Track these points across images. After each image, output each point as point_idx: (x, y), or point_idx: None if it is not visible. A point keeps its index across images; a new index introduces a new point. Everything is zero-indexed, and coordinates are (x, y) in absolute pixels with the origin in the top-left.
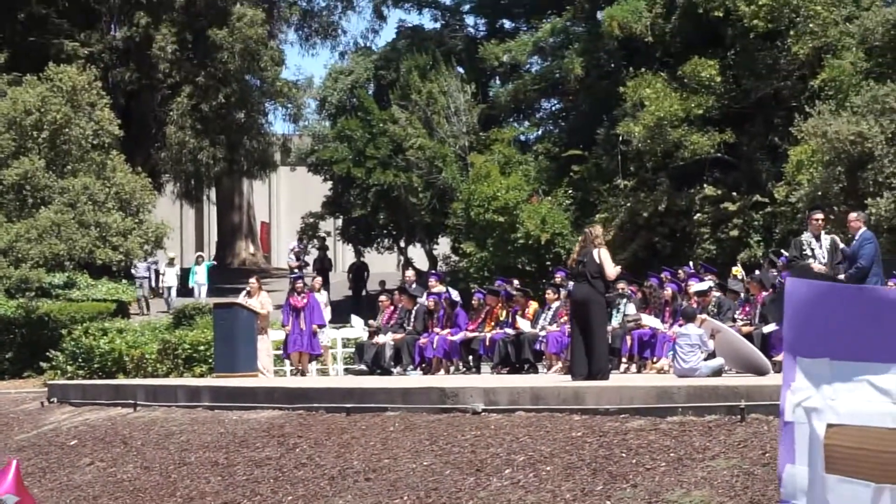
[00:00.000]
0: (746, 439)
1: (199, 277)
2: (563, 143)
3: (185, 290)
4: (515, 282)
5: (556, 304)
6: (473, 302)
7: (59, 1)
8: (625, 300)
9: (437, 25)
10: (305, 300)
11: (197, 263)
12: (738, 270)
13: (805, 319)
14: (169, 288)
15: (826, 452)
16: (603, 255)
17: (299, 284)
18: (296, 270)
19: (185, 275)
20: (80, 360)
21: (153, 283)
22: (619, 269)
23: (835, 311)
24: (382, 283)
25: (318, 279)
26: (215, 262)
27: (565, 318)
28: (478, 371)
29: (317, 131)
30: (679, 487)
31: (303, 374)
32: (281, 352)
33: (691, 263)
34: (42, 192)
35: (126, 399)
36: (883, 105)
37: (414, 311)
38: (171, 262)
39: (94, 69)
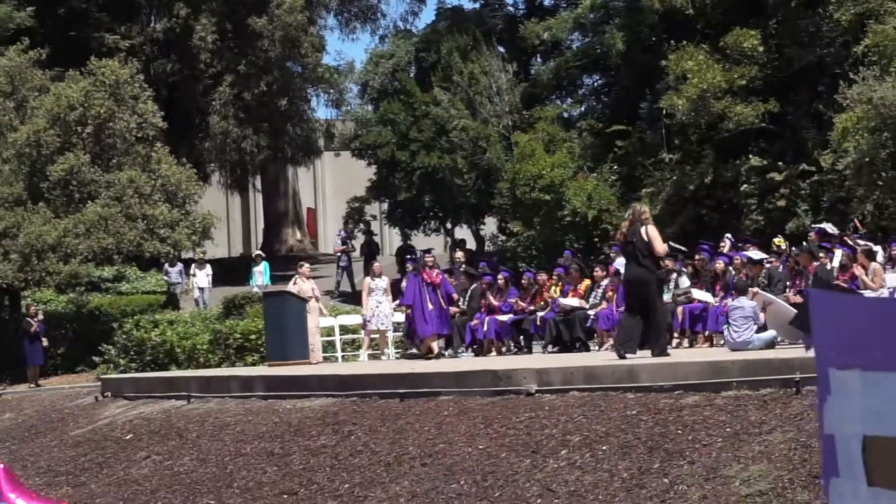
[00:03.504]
0: (802, 412)
1: (259, 279)
2: (607, 119)
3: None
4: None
5: (605, 281)
6: (523, 281)
7: None
8: (675, 275)
9: (477, 5)
10: (439, 276)
11: (255, 263)
12: (780, 241)
13: (833, 330)
14: (202, 289)
15: (866, 466)
16: (651, 233)
17: (430, 258)
18: (341, 255)
19: (232, 266)
20: (132, 353)
21: (186, 287)
22: (666, 246)
23: (862, 322)
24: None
25: (378, 264)
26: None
27: (611, 293)
28: (529, 351)
29: (359, 116)
30: (736, 462)
31: (429, 355)
32: (408, 335)
33: (728, 235)
34: (88, 187)
35: (180, 391)
36: None
37: (470, 291)
38: (201, 263)
39: (135, 62)
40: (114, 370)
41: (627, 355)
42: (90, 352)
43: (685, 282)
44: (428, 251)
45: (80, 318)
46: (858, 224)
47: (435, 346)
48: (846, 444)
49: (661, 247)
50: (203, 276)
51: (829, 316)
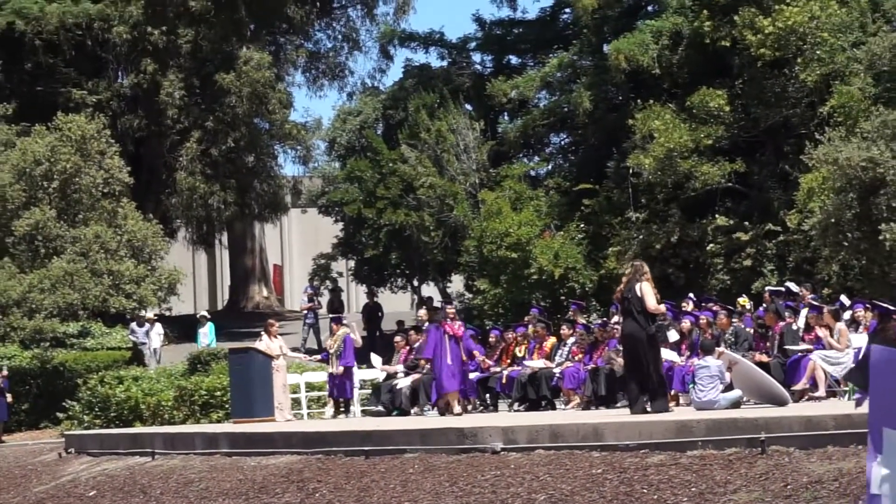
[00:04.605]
0: (768, 472)
1: (204, 339)
2: (574, 178)
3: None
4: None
5: (571, 339)
6: (491, 339)
7: (66, 50)
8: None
9: (444, 63)
10: (461, 328)
11: (200, 324)
12: (744, 301)
13: (891, 390)
14: (154, 349)
15: None
16: (644, 289)
17: (451, 310)
18: (307, 312)
19: (196, 323)
20: (96, 409)
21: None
22: (663, 306)
23: None
24: (400, 322)
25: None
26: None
27: (580, 356)
28: (495, 409)
29: (327, 173)
30: None
31: (451, 412)
32: (434, 392)
33: (691, 295)
34: (54, 242)
35: (144, 448)
36: (893, 129)
37: None
38: (152, 322)
39: (102, 117)
40: (78, 426)
41: (642, 414)
42: (54, 408)
43: (673, 335)
44: (450, 302)
45: (45, 374)
46: (813, 287)
47: (456, 404)
48: None
49: (652, 304)
50: (155, 335)
51: (888, 374)
